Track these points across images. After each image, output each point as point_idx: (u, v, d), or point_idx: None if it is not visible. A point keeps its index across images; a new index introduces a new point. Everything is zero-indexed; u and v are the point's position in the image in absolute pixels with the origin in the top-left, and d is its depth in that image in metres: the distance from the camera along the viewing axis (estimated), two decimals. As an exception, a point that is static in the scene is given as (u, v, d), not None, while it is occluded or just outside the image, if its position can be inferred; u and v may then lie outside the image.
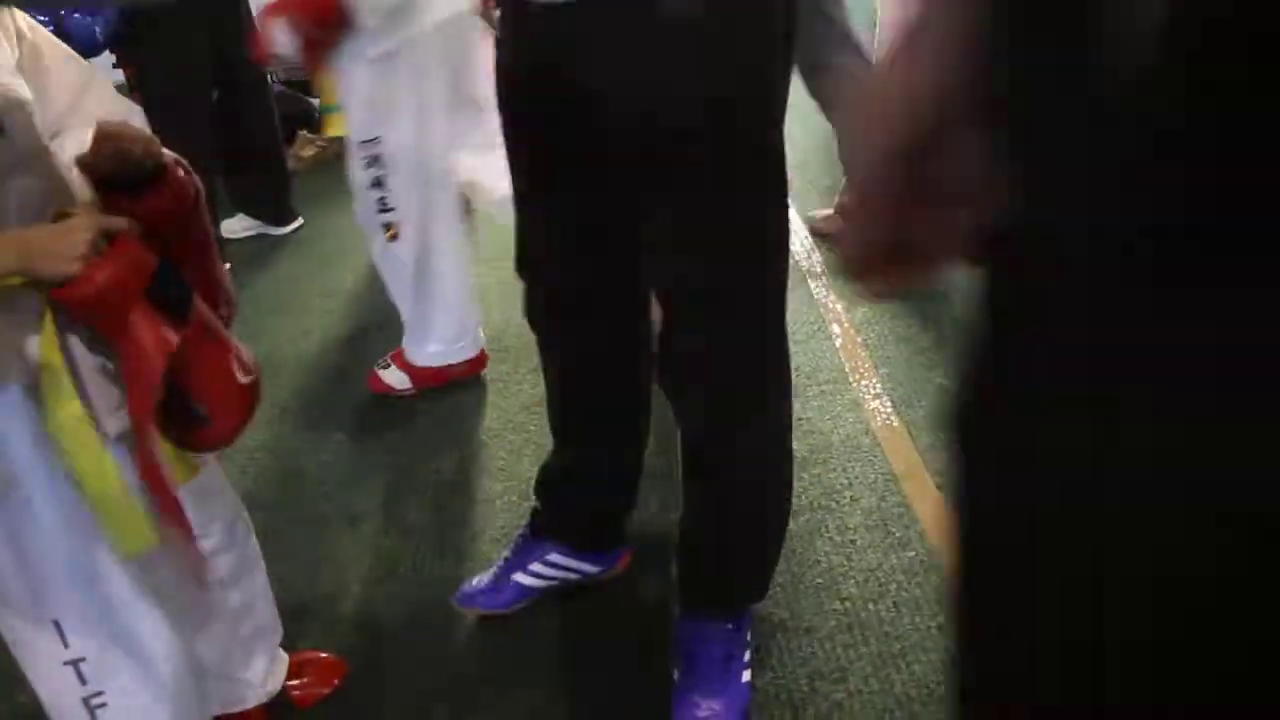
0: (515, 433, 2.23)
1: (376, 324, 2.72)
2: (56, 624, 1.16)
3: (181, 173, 1.11)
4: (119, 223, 1.04)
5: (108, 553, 1.16)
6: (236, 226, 3.45)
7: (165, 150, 1.10)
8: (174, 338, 1.07)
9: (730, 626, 1.52)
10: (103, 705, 1.21)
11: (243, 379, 1.16)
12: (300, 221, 3.49)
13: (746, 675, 1.52)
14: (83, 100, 1.13)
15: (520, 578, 1.70)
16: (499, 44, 1.32)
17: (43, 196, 1.06)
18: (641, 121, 1.17)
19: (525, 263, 1.48)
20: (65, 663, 1.18)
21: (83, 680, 1.20)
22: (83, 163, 1.05)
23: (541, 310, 1.51)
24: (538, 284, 1.49)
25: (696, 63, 1.14)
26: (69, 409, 1.07)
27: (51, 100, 1.11)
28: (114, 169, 1.05)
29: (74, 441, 1.08)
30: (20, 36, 1.10)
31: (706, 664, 1.49)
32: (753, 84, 1.19)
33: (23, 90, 1.06)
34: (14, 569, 1.13)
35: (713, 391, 1.36)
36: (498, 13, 1.36)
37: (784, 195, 1.27)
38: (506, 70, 1.32)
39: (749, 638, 1.55)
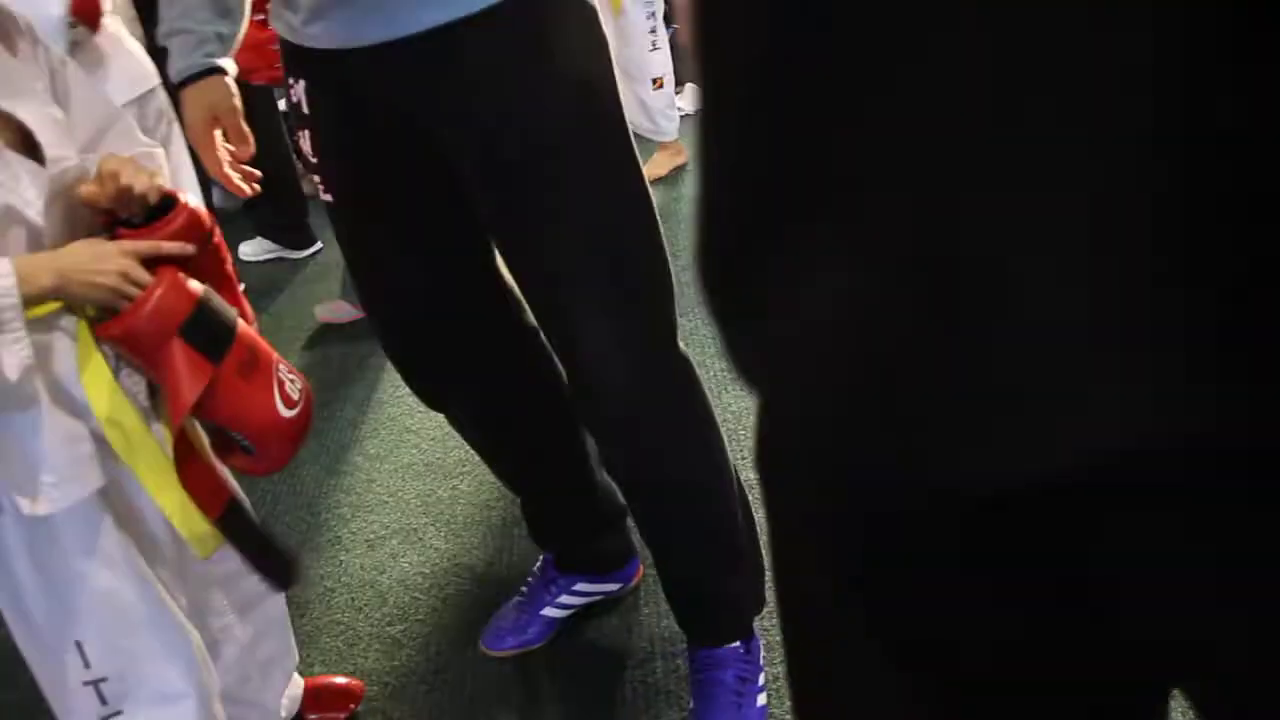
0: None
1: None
2: (79, 645, 1.17)
3: (193, 205, 1.13)
4: (155, 247, 1.06)
5: (130, 576, 1.17)
6: (255, 250, 3.50)
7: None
8: (207, 374, 1.08)
9: (740, 648, 1.51)
10: None
11: (286, 412, 1.17)
12: (319, 245, 3.52)
13: (762, 699, 1.51)
14: (104, 138, 1.16)
15: (549, 611, 1.70)
16: (311, 101, 1.30)
17: (76, 224, 1.08)
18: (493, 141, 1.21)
19: (386, 327, 1.49)
20: (86, 683, 1.19)
21: (103, 700, 1.21)
22: (88, 200, 1.07)
23: (428, 382, 1.54)
24: (410, 351, 1.50)
25: (543, 79, 1.18)
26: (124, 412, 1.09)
27: (75, 131, 1.14)
28: (118, 205, 1.07)
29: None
30: (54, 72, 1.12)
31: (720, 690, 1.48)
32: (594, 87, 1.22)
33: (60, 118, 1.08)
34: (39, 591, 1.14)
35: (614, 421, 1.38)
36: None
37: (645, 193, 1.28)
38: (327, 122, 1.30)
39: (762, 661, 1.55)
